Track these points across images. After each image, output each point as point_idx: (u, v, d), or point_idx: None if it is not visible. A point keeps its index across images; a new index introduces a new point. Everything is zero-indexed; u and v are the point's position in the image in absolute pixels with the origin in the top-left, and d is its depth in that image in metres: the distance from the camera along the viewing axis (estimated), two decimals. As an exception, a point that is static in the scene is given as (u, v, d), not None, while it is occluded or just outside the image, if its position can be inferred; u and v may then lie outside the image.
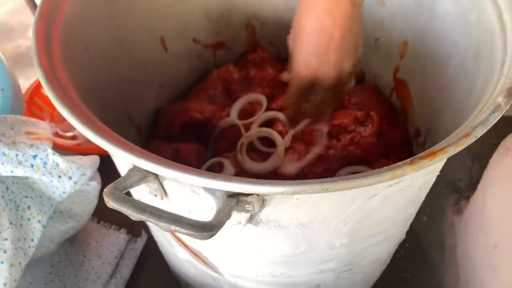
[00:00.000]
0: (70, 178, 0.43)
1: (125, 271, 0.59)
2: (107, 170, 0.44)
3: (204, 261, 0.41)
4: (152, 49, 0.55)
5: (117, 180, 0.27)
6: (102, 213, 0.65)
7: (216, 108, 0.58)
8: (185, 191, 0.30)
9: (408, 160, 0.25)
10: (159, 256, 0.58)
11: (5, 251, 0.41)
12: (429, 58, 0.47)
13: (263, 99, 0.57)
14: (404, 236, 0.50)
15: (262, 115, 0.55)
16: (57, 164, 0.42)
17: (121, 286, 0.57)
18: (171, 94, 0.60)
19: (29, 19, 1.90)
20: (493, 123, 0.27)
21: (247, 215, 0.29)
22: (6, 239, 0.41)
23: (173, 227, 0.24)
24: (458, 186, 0.70)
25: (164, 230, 0.25)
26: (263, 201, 0.28)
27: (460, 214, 0.66)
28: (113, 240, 0.62)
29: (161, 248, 0.51)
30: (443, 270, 0.60)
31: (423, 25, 0.47)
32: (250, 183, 0.24)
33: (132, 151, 0.26)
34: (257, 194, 0.28)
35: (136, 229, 0.63)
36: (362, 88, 0.59)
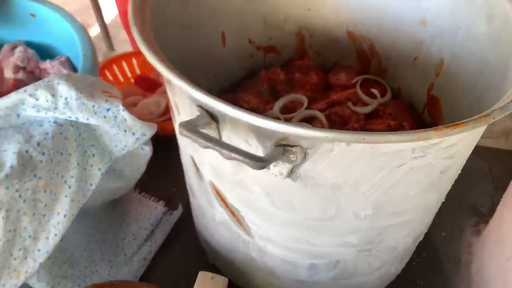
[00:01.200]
0: (133, 134, 0.49)
1: (159, 237, 0.64)
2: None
3: (239, 221, 0.46)
4: (213, 41, 0.62)
5: (189, 119, 0.33)
6: (144, 186, 0.71)
7: (261, 102, 0.64)
8: (239, 142, 0.36)
9: (433, 127, 0.29)
10: (190, 230, 0.64)
11: (69, 187, 0.47)
12: (462, 75, 0.52)
13: (305, 99, 0.63)
14: (422, 236, 0.53)
15: (303, 112, 0.60)
16: (125, 120, 0.48)
17: (154, 249, 0.63)
18: (220, 85, 0.67)
19: (92, 19, 2.06)
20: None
21: (290, 166, 0.34)
22: (72, 176, 0.48)
23: (233, 155, 0.30)
24: (479, 210, 0.72)
25: (225, 157, 0.30)
26: (305, 155, 0.33)
27: (478, 235, 0.68)
28: (152, 210, 0.68)
29: (198, 214, 0.56)
30: (456, 283, 0.63)
31: (459, 45, 0.52)
32: (300, 127, 0.29)
33: (203, 92, 0.32)
34: (301, 147, 0.33)
35: (173, 203, 0.69)
36: (396, 102, 0.64)
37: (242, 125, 0.33)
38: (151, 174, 0.64)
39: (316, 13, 0.65)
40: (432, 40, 0.57)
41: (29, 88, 0.47)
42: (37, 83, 0.47)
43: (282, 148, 0.33)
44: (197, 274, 0.49)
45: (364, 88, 0.64)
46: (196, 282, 0.48)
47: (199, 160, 0.44)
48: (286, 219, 0.42)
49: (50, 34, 0.67)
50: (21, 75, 0.66)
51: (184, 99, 0.38)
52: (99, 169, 0.51)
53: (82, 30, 0.59)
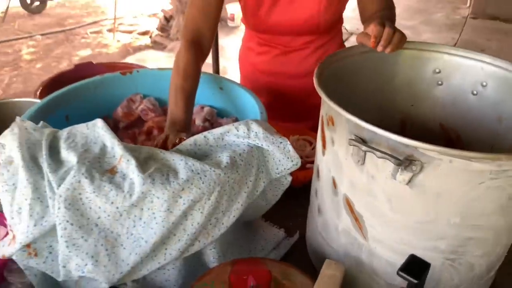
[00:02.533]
0: (292, 161, 0.75)
1: (281, 252, 0.85)
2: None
3: (360, 225, 0.67)
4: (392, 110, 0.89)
5: (351, 139, 0.59)
6: (269, 217, 0.94)
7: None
8: (376, 160, 0.59)
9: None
10: (302, 250, 0.85)
11: (248, 187, 0.72)
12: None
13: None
14: (495, 268, 0.69)
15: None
16: (289, 151, 0.74)
17: (278, 257, 0.84)
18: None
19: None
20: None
21: (410, 175, 0.57)
22: (250, 180, 0.73)
23: (384, 155, 0.54)
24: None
25: (378, 157, 0.54)
26: (421, 167, 0.56)
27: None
28: (275, 233, 0.90)
29: (320, 229, 0.77)
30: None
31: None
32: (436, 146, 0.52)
33: (368, 123, 0.57)
34: (421, 161, 0.56)
35: (290, 232, 0.91)
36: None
37: (385, 143, 0.58)
38: (275, 210, 0.87)
39: (418, 109, 0.91)
40: (506, 132, 0.79)
41: (234, 124, 0.76)
42: (238, 122, 0.76)
43: (409, 161, 0.56)
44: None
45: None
46: (322, 268, 0.67)
47: (339, 179, 0.68)
48: (398, 220, 0.62)
49: (230, 101, 0.99)
50: (206, 124, 0.97)
51: (345, 132, 0.63)
52: (263, 182, 0.76)
53: (257, 98, 0.90)
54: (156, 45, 4.56)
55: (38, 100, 1.13)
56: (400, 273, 0.48)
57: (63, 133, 0.70)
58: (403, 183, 0.58)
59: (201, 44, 0.96)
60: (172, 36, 4.61)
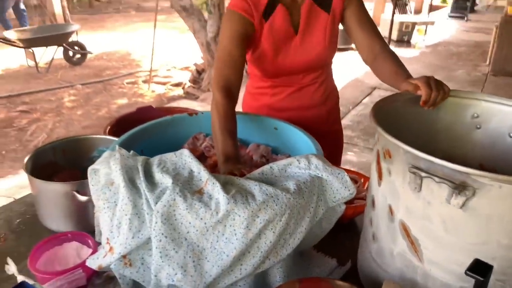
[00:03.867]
0: (348, 190, 0.84)
1: (335, 275, 0.92)
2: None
3: (416, 249, 0.75)
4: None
5: (409, 168, 0.68)
6: (321, 248, 1.02)
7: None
8: (433, 186, 0.68)
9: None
10: (353, 279, 0.92)
11: (310, 212, 0.82)
12: None
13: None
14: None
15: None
16: (346, 181, 0.84)
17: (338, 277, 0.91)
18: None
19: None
20: None
21: (464, 199, 0.66)
22: (312, 207, 0.82)
23: (444, 180, 0.63)
24: None
25: (437, 182, 0.64)
26: (474, 192, 0.65)
27: None
28: (327, 262, 0.98)
29: (375, 255, 0.85)
30: None
31: None
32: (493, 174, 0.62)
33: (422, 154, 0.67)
34: (473, 187, 0.65)
35: (342, 261, 0.98)
36: None
37: (440, 172, 0.67)
38: (325, 242, 0.95)
39: (458, 150, 1.00)
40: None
41: (296, 157, 0.86)
42: (299, 156, 0.87)
43: (462, 186, 0.65)
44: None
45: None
46: (383, 286, 0.75)
47: (396, 206, 0.77)
48: (452, 242, 0.70)
49: (283, 140, 1.11)
50: (263, 159, 1.08)
51: (402, 163, 0.73)
52: (322, 209, 0.85)
53: (311, 136, 1.02)
54: (189, 96, 4.82)
55: (108, 137, 1.27)
56: (468, 272, 0.56)
57: (155, 160, 0.82)
58: (457, 207, 0.67)
59: (231, 92, 1.12)
60: (203, 87, 4.88)
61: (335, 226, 0.93)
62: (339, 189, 0.85)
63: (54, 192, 1.03)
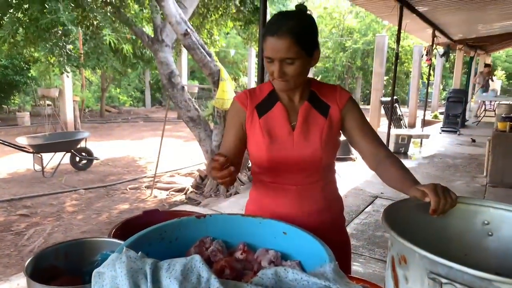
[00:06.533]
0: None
1: None
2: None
3: None
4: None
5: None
6: None
7: None
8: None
9: None
10: None
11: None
12: None
13: None
14: None
15: None
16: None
17: None
18: None
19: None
20: None
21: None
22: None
23: (459, 286, 0.61)
24: None
25: (459, 286, 0.62)
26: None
27: None
28: None
29: None
30: None
31: None
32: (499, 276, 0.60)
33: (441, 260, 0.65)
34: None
35: None
36: None
37: (460, 278, 0.65)
38: None
39: (471, 259, 0.98)
40: None
41: (313, 272, 0.84)
42: (315, 271, 0.85)
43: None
44: None
45: None
46: None
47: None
48: None
49: (293, 244, 1.09)
50: (272, 265, 1.05)
51: (419, 269, 0.71)
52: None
53: (323, 242, 1.00)
54: (190, 201, 4.82)
55: (113, 240, 1.25)
56: None
57: (164, 263, 0.80)
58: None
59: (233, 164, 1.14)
60: (205, 193, 4.90)
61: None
62: (349, 296, 0.81)
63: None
